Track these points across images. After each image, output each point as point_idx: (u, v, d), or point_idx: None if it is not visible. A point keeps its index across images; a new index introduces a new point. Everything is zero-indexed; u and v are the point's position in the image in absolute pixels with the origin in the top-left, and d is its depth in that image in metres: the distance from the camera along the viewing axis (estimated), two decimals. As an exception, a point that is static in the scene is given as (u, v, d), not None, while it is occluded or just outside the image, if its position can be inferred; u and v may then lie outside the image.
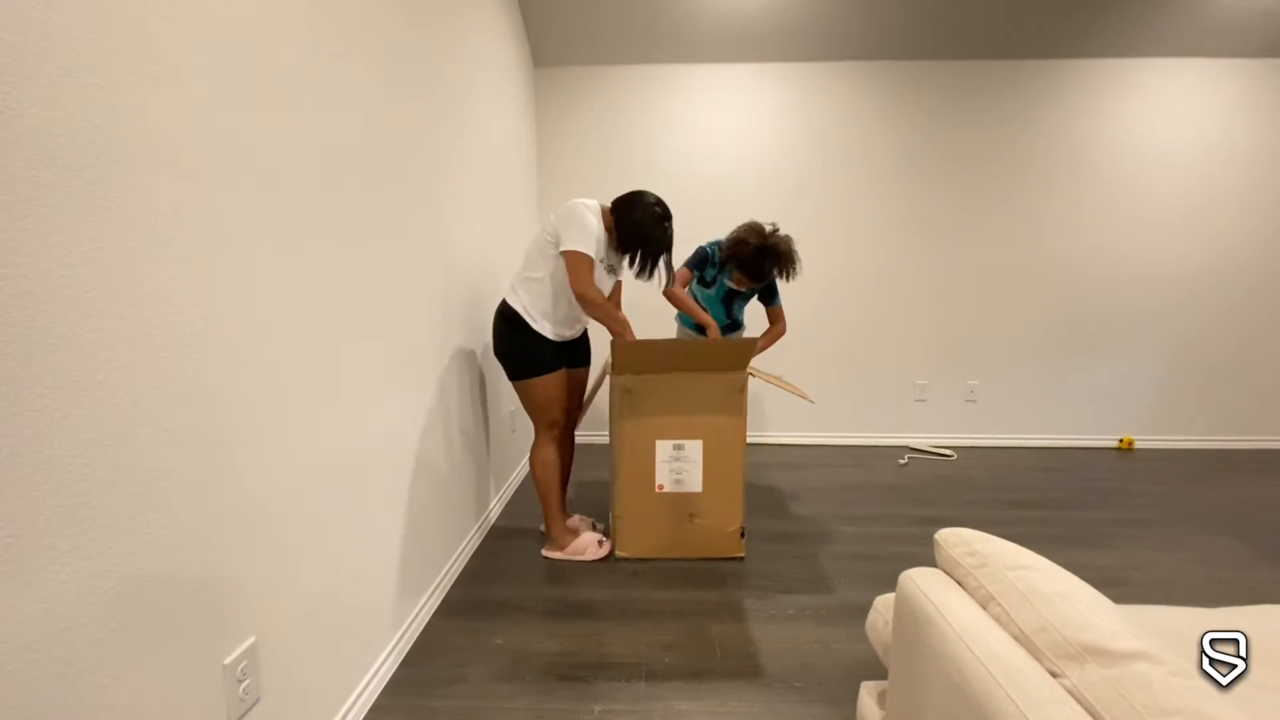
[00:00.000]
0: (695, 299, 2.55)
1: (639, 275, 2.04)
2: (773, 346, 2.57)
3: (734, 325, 2.61)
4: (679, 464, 2.09)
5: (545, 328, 2.02)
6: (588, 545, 2.14)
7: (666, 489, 2.10)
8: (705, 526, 2.12)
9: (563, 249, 1.91)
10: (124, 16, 0.80)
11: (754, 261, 2.25)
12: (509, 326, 2.03)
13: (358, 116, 1.41)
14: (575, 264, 1.91)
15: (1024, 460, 3.31)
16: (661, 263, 2.03)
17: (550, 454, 2.12)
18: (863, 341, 3.52)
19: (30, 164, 0.68)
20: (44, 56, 0.70)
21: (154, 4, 0.84)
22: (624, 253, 2.02)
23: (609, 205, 2.02)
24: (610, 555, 2.15)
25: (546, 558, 2.15)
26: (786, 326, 2.55)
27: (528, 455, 2.22)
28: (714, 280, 2.50)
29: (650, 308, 3.44)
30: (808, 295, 3.45)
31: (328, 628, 1.28)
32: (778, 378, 2.45)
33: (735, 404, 2.06)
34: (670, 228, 2.02)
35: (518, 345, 2.03)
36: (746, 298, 2.53)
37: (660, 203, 2.00)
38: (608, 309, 1.99)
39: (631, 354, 2.01)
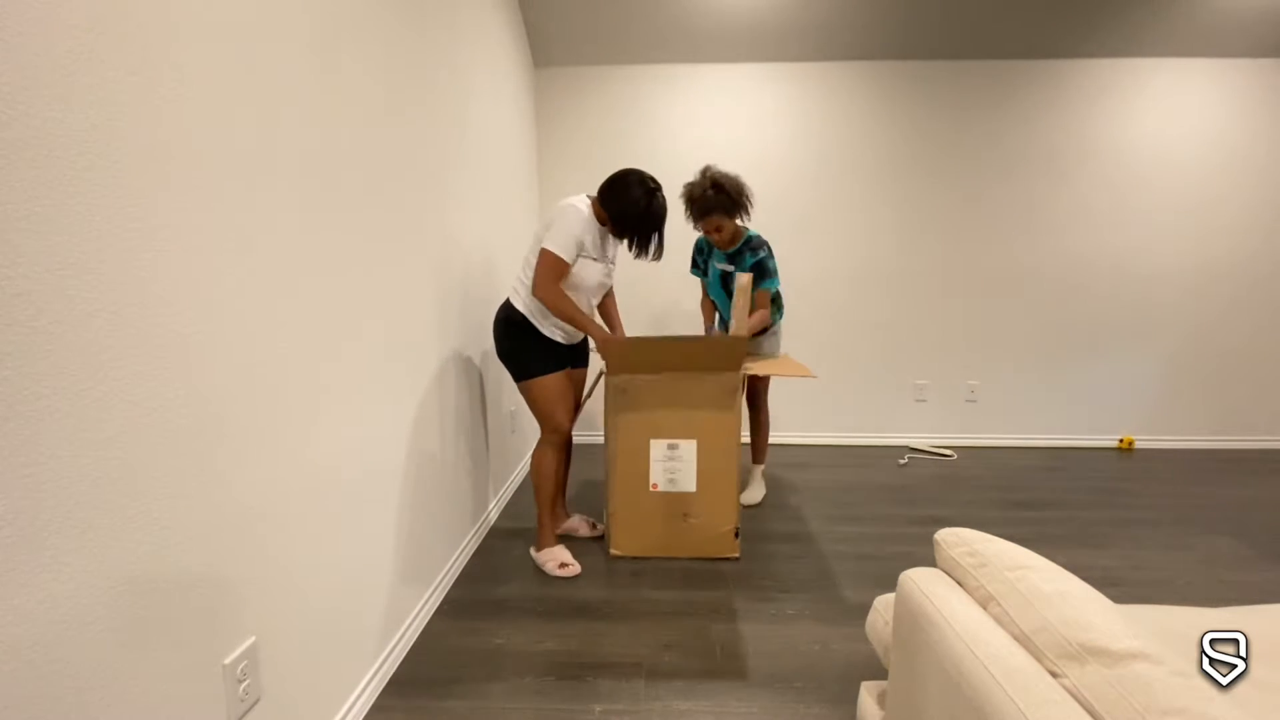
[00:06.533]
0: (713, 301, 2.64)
1: (638, 255, 2.03)
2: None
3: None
4: (673, 463, 2.09)
5: (551, 331, 2.03)
6: (550, 559, 2.07)
7: (660, 488, 2.10)
8: (699, 526, 2.11)
9: (541, 245, 1.92)
10: (124, 16, 0.80)
11: (697, 195, 2.28)
12: (513, 329, 2.03)
13: (358, 118, 1.41)
14: (544, 263, 1.91)
15: (1024, 460, 3.30)
16: (654, 240, 2.02)
17: (550, 459, 2.11)
18: (863, 341, 3.52)
19: (31, 164, 0.68)
20: (44, 56, 0.70)
21: (155, 5, 0.84)
22: (622, 238, 2.01)
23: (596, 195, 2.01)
24: (604, 545, 2.15)
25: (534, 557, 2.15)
26: (766, 317, 2.43)
27: (530, 454, 2.22)
28: (706, 265, 2.52)
29: (654, 307, 3.45)
30: (809, 295, 3.46)
31: (328, 628, 1.28)
32: (781, 359, 2.44)
33: (729, 404, 2.05)
34: (661, 198, 2.00)
35: (522, 347, 2.03)
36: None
37: (648, 178, 1.98)
38: (567, 308, 1.96)
39: (625, 353, 2.02)
